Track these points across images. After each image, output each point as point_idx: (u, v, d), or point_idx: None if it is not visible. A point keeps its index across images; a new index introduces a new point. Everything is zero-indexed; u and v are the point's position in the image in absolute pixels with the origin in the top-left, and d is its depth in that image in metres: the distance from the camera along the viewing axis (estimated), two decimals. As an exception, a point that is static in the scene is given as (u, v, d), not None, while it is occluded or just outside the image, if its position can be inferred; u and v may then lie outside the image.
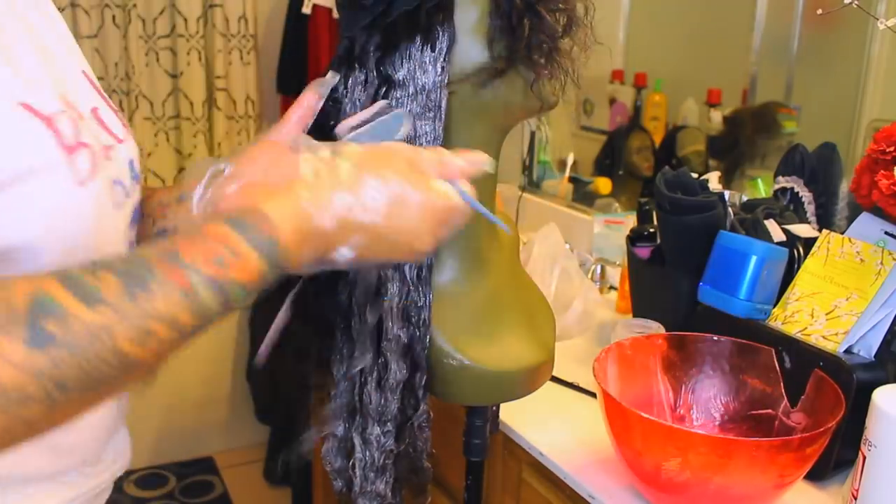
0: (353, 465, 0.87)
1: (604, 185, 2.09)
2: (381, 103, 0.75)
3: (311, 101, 0.75)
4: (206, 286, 0.51)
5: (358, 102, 0.79)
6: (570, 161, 2.14)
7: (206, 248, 0.52)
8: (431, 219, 0.63)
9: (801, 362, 1.01)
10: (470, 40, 0.78)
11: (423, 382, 0.83)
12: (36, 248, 0.56)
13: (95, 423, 0.68)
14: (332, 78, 0.76)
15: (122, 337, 0.48)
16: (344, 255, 0.61)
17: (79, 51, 0.72)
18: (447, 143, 0.79)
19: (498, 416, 1.06)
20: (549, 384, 0.94)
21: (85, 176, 0.59)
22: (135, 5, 2.43)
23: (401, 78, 0.77)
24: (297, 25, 2.54)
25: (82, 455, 0.68)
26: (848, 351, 1.03)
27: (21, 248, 0.56)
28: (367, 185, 0.61)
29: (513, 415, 1.15)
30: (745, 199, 1.32)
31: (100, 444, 0.70)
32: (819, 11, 1.09)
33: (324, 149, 0.65)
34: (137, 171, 0.70)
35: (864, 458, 0.87)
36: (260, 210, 0.56)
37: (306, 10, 2.51)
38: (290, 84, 2.61)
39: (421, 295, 0.81)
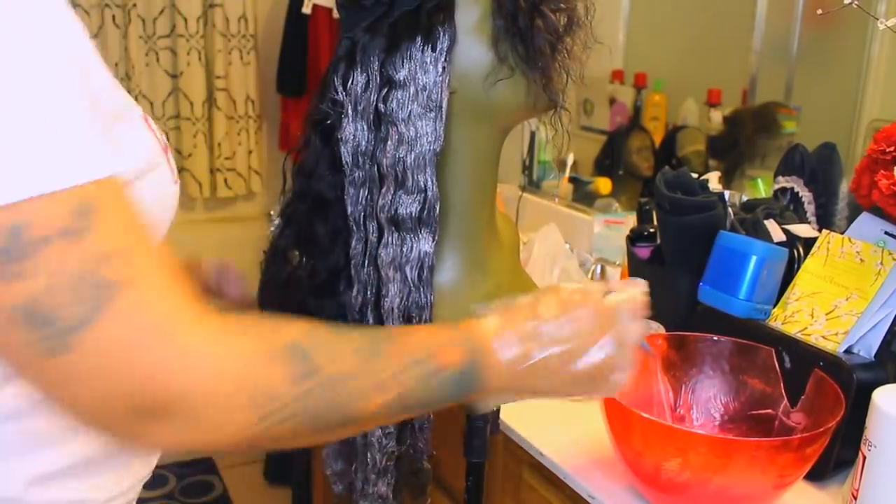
0: (355, 467, 0.87)
1: (604, 185, 2.08)
2: None
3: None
4: (416, 366, 0.61)
5: (358, 104, 0.79)
6: (570, 161, 2.14)
7: (422, 337, 0.64)
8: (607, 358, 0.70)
9: (801, 362, 1.01)
10: (471, 40, 0.78)
11: (423, 383, 0.83)
12: None
13: None
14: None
15: (357, 388, 0.58)
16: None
17: None
18: (448, 144, 0.79)
19: (498, 417, 1.06)
20: (549, 384, 0.94)
21: (176, 175, 0.65)
22: (135, 5, 2.43)
23: (402, 78, 0.77)
24: (297, 25, 2.54)
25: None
26: (848, 351, 1.03)
27: None
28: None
29: (513, 415, 1.15)
30: (745, 199, 1.32)
31: None
32: (819, 11, 1.09)
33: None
34: None
35: (864, 458, 0.87)
36: (468, 324, 0.66)
37: (306, 10, 2.51)
38: (290, 84, 2.61)
39: (422, 295, 0.81)
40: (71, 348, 0.47)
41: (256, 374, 0.53)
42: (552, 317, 0.67)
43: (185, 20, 2.48)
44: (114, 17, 2.42)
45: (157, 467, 0.70)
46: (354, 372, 0.57)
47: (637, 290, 0.73)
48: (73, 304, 0.46)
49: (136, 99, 2.52)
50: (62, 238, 0.46)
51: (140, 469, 0.67)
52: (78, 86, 0.49)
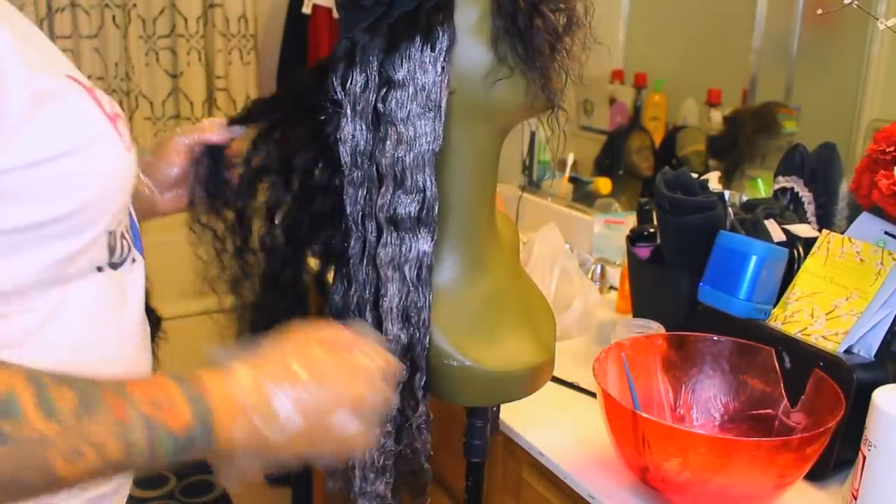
0: (353, 465, 0.87)
1: (604, 185, 2.08)
2: None
3: (214, 138, 0.87)
4: (139, 422, 0.53)
5: (357, 103, 0.79)
6: (570, 161, 2.14)
7: (149, 389, 0.55)
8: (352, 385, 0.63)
9: (801, 362, 1.01)
10: (471, 40, 0.78)
11: (422, 383, 0.83)
12: (92, 210, 0.62)
13: None
14: (239, 129, 0.87)
15: (58, 453, 0.51)
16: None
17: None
18: (448, 144, 0.79)
19: (498, 417, 1.06)
20: (549, 384, 0.93)
21: (129, 142, 0.66)
22: (135, 5, 2.43)
23: (401, 78, 0.76)
24: (297, 25, 2.54)
25: None
26: (848, 351, 1.03)
27: (82, 211, 0.61)
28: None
29: (513, 415, 1.15)
30: (745, 199, 1.32)
31: None
32: (819, 11, 1.09)
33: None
34: None
35: (864, 458, 0.87)
36: (202, 380, 0.58)
37: (306, 10, 2.51)
38: (290, 84, 2.61)
39: (421, 295, 0.81)
40: None
41: None
42: (300, 382, 0.60)
43: (185, 20, 2.48)
44: (114, 17, 2.42)
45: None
46: (54, 436, 0.51)
47: (388, 359, 0.67)
48: None
49: (135, 99, 2.53)
50: None
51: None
52: None
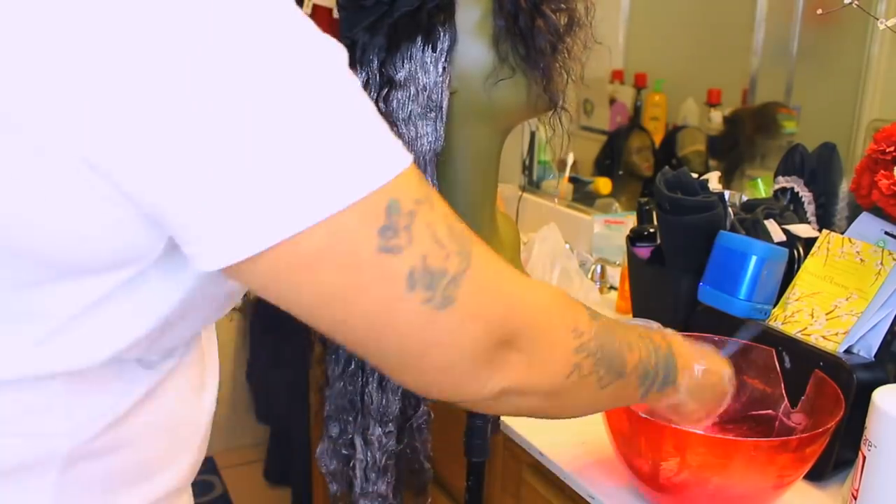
0: (354, 465, 0.87)
1: (604, 185, 2.09)
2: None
3: None
4: (653, 355, 0.71)
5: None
6: (570, 161, 2.14)
7: (642, 344, 0.71)
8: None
9: (801, 362, 1.01)
10: (472, 41, 0.78)
11: (423, 383, 0.83)
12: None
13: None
14: None
15: (620, 340, 0.66)
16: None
17: None
18: (449, 143, 0.79)
19: (499, 417, 1.06)
20: (549, 384, 0.93)
21: None
22: (135, 5, 2.43)
23: (402, 78, 0.77)
24: (297, 25, 2.54)
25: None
26: (848, 351, 1.03)
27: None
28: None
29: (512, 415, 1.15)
30: (745, 199, 1.32)
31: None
32: (819, 11, 1.09)
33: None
34: None
35: (864, 458, 0.87)
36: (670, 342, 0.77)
37: (306, 10, 2.51)
38: (290, 84, 2.60)
39: (421, 295, 0.80)
40: (457, 295, 0.51)
41: (569, 312, 0.61)
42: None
43: (186, 20, 2.48)
44: (114, 16, 2.42)
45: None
46: (614, 327, 0.66)
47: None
48: (453, 256, 0.51)
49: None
50: (423, 205, 0.50)
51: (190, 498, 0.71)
52: None
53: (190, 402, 0.64)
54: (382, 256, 0.48)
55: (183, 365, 0.62)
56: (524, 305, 0.57)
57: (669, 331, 0.83)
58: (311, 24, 0.48)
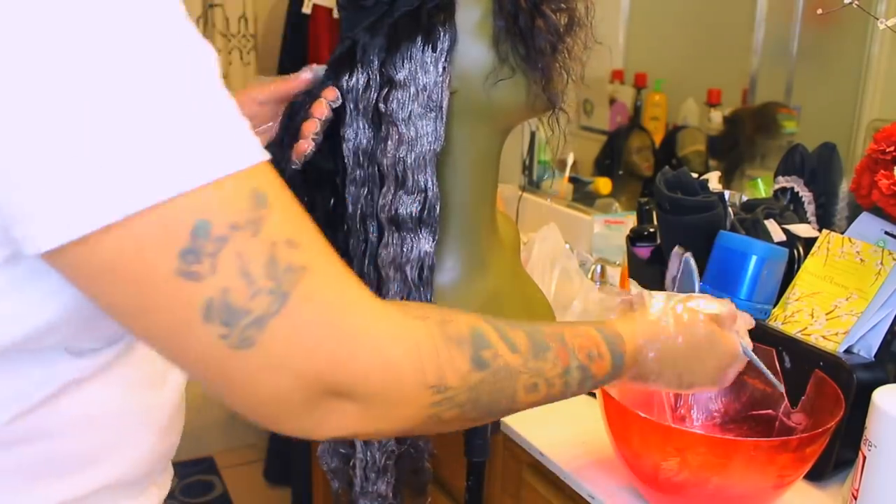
0: (354, 465, 0.87)
1: (604, 185, 2.08)
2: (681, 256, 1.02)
3: (305, 77, 0.85)
4: (577, 371, 0.65)
5: (359, 103, 0.79)
6: (570, 161, 2.14)
7: (584, 343, 0.66)
8: (718, 363, 0.79)
9: (801, 362, 1.01)
10: (472, 40, 0.78)
11: (423, 382, 0.83)
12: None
13: (179, 427, 0.69)
14: (319, 69, 0.84)
15: (521, 384, 0.60)
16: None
17: None
18: (449, 144, 0.79)
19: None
20: (549, 384, 0.93)
21: None
22: (135, 5, 2.43)
23: (402, 78, 0.77)
24: (297, 25, 2.54)
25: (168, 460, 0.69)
26: (848, 351, 1.03)
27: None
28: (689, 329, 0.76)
29: (513, 415, 1.15)
30: (745, 199, 1.32)
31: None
32: (819, 11, 1.09)
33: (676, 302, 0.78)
34: None
35: (864, 458, 0.87)
36: (619, 333, 0.71)
37: (306, 10, 2.51)
38: (290, 84, 2.60)
39: (422, 296, 0.81)
40: (260, 339, 0.46)
41: (438, 360, 0.54)
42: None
43: (185, 20, 2.48)
44: (114, 16, 2.42)
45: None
46: (521, 369, 0.60)
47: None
48: (262, 295, 0.45)
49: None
50: (240, 232, 0.44)
51: (160, 491, 0.67)
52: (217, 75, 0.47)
53: (141, 394, 0.61)
54: (179, 281, 0.44)
55: (135, 355, 0.59)
56: (356, 363, 0.50)
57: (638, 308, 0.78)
58: (176, 18, 0.44)
